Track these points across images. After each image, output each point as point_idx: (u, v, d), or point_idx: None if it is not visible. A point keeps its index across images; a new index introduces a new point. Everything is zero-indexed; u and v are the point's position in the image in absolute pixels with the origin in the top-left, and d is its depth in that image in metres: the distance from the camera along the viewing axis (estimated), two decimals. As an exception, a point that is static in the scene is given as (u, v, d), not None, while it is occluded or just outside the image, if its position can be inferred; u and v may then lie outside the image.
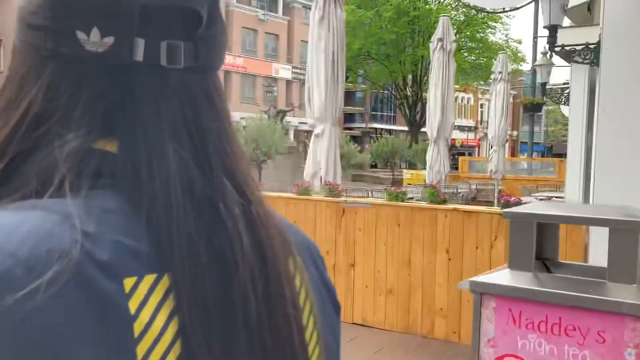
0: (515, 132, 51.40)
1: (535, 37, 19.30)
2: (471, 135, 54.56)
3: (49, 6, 0.50)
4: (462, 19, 32.82)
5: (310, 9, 7.29)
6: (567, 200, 7.14)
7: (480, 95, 56.10)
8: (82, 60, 0.49)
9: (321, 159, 6.64)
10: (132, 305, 0.44)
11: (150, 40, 0.49)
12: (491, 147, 14.98)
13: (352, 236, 5.24)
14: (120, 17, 0.49)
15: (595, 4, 5.62)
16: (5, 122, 0.51)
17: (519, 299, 2.05)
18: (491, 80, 14.76)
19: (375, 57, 34.45)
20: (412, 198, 6.98)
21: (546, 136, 56.27)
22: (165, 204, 0.48)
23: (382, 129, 46.94)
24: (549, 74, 10.41)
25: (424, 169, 26.85)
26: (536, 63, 10.50)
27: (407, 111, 35.38)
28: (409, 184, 20.93)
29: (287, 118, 22.19)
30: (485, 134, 59.32)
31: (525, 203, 4.83)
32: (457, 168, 20.92)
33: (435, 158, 10.55)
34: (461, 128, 49.55)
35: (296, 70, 44.28)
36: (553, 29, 4.55)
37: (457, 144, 47.21)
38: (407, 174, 25.92)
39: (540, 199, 8.67)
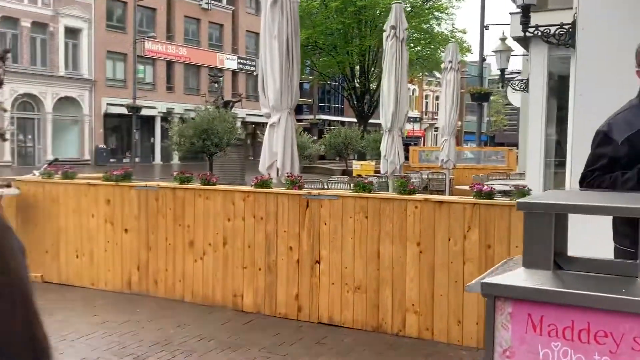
0: (459, 122, 52.38)
1: (485, 26, 19.48)
2: (417, 126, 55.26)
3: None
4: (408, 10, 32.94)
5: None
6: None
7: (425, 87, 56.88)
8: None
9: (277, 149, 6.29)
10: None
11: None
12: (442, 137, 14.97)
13: (317, 230, 4.92)
14: None
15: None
16: None
17: (540, 302, 1.78)
18: (442, 69, 14.68)
19: (323, 48, 34.16)
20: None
21: (489, 126, 57.62)
22: None
23: (330, 120, 46.79)
24: (508, 59, 10.38)
25: (372, 159, 26.88)
26: (495, 49, 10.44)
27: (356, 102, 35.31)
28: (358, 175, 20.84)
29: (235, 110, 21.58)
30: (430, 125, 60.35)
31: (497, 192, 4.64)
32: (407, 158, 20.97)
33: (390, 148, 10.37)
34: (407, 119, 50.05)
35: (242, 61, 43.46)
36: (526, 9, 4.36)
37: (404, 135, 47.67)
38: (356, 165, 25.80)
39: (504, 187, 8.59)
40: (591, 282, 1.82)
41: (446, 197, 4.84)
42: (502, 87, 17.51)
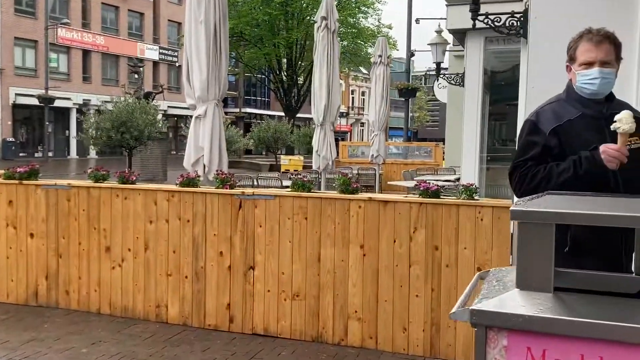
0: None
1: (416, 20, 19.53)
2: (343, 122, 55.50)
3: None
4: (335, 3, 32.84)
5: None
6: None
7: (351, 82, 57.21)
8: None
9: (204, 144, 5.78)
10: None
11: None
12: (372, 132, 14.82)
13: (252, 233, 4.48)
14: None
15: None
16: None
17: (542, 333, 1.46)
18: (372, 64, 14.51)
19: (249, 40, 33.40)
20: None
21: (412, 122, 58.82)
22: None
23: (256, 114, 46.02)
24: (443, 52, 10.28)
25: (302, 154, 26.49)
26: (430, 41, 10.31)
27: (283, 96, 34.82)
28: (287, 170, 20.43)
29: (156, 102, 20.53)
30: (357, 120, 60.87)
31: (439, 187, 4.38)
32: (337, 153, 20.82)
33: (322, 143, 10.03)
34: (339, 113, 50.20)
35: (164, 51, 41.86)
36: (476, -4, 4.12)
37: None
38: (284, 160, 25.37)
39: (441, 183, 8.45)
40: (601, 307, 1.52)
41: (391, 196, 4.54)
42: (432, 82, 17.60)
